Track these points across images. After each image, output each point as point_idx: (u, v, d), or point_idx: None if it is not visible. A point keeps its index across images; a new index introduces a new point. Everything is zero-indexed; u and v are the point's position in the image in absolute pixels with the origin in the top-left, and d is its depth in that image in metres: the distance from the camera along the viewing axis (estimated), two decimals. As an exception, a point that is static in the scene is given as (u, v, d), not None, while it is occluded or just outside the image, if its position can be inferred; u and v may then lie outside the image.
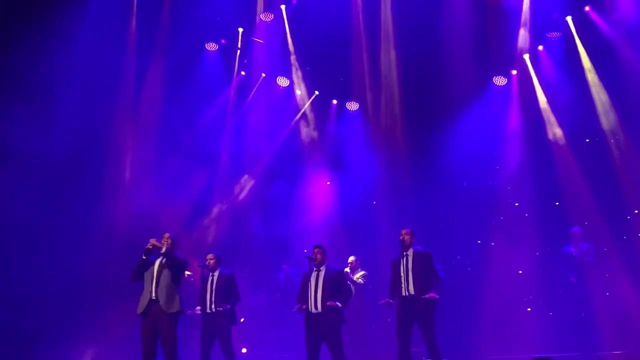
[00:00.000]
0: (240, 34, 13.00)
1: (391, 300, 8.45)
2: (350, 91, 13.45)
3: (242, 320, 10.80)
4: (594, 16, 12.00)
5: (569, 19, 12.14)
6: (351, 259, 10.75)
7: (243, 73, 13.39)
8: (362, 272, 10.63)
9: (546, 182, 12.06)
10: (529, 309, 11.65)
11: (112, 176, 11.82)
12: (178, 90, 12.31)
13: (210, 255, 9.15)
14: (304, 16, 12.63)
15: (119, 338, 10.52)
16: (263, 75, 13.36)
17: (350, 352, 9.14)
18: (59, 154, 10.95)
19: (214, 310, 8.86)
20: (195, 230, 12.42)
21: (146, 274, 7.63)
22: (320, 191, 13.26)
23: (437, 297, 8.30)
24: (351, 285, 9.47)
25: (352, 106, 13.62)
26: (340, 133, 13.51)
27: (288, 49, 13.25)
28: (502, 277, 11.68)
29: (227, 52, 13.10)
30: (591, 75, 12.04)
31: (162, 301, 7.47)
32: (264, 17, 12.93)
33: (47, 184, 10.86)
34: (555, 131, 12.29)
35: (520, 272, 11.89)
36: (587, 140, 12.07)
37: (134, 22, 12.20)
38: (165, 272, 7.57)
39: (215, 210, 12.75)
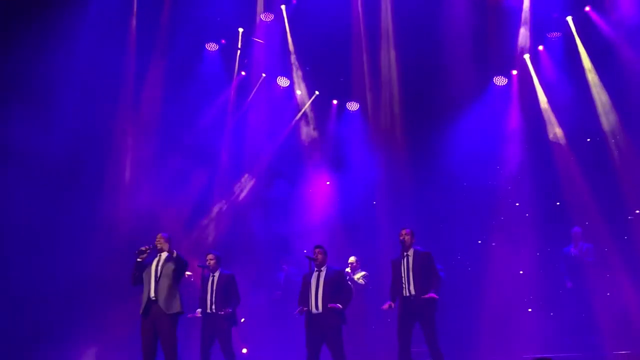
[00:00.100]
0: (240, 34, 12.99)
1: (392, 304, 8.44)
2: (351, 91, 13.44)
3: (242, 320, 10.79)
4: (594, 16, 12.00)
5: (569, 19, 12.14)
6: (352, 259, 10.74)
7: (243, 73, 13.38)
8: (363, 273, 10.63)
9: (546, 182, 12.07)
10: (529, 309, 11.65)
11: (112, 176, 11.82)
12: (178, 91, 12.30)
13: (210, 256, 9.12)
14: (304, 16, 12.63)
15: (119, 338, 10.51)
16: (263, 75, 13.35)
17: (351, 352, 9.11)
18: (59, 154, 10.95)
19: (214, 310, 8.84)
20: (195, 230, 12.42)
21: (145, 275, 7.62)
22: (320, 191, 13.24)
23: (437, 297, 8.28)
24: (351, 285, 9.46)
25: (352, 106, 13.61)
26: (340, 133, 13.50)
27: (288, 49, 13.24)
28: (502, 278, 11.68)
29: (227, 52, 13.09)
30: (591, 76, 12.04)
31: (161, 301, 7.45)
32: (264, 17, 12.93)
33: (47, 184, 10.86)
34: (555, 131, 12.29)
35: (521, 272, 11.90)
36: (588, 140, 12.07)
37: (134, 22, 12.19)
38: (165, 272, 7.55)
39: (215, 210, 12.74)
